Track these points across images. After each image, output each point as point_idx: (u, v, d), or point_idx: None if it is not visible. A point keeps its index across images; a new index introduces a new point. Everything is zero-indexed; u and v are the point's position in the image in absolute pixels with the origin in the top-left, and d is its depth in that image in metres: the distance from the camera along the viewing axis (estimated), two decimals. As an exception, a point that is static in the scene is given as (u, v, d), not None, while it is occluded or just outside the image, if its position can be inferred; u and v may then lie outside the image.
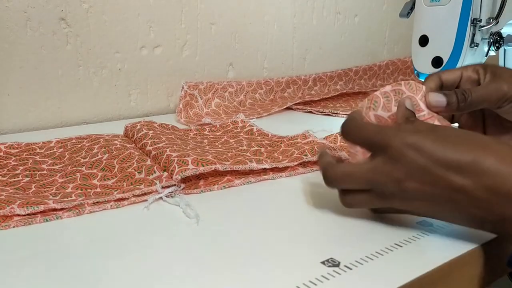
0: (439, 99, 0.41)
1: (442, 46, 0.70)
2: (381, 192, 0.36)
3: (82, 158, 0.54)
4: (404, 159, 0.35)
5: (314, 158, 0.53)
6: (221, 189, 0.47)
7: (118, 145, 0.55)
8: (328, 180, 0.39)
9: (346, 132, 0.40)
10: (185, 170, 0.46)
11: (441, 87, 0.45)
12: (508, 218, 0.32)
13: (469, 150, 0.33)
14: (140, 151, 0.55)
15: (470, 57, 0.70)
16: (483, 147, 0.33)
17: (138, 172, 0.48)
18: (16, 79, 0.71)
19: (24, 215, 0.40)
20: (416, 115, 0.40)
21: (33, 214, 0.40)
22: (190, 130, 0.69)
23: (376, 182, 0.36)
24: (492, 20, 0.68)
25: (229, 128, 0.70)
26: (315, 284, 0.30)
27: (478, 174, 0.32)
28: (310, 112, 0.87)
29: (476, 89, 0.42)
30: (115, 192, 0.44)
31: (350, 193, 0.38)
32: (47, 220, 0.40)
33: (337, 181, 0.39)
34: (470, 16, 0.67)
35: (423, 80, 0.49)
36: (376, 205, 0.38)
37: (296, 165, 0.52)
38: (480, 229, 0.35)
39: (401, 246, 0.35)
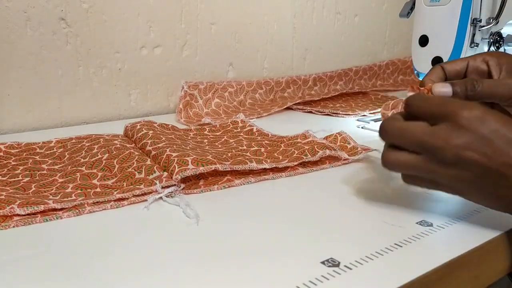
0: (444, 89, 0.40)
1: (442, 46, 0.70)
2: (432, 158, 0.35)
3: (82, 158, 0.54)
4: (471, 128, 0.34)
5: (314, 158, 0.53)
6: (221, 189, 0.47)
7: (118, 145, 0.55)
8: (383, 130, 0.38)
9: (410, 103, 0.38)
10: (185, 170, 0.46)
11: (445, 79, 0.44)
12: None
13: None
14: (140, 151, 0.55)
15: (470, 57, 0.69)
16: None
17: (138, 172, 0.48)
18: (16, 79, 0.71)
19: (24, 215, 0.40)
20: None
21: (33, 214, 0.40)
22: (190, 130, 0.69)
23: (432, 146, 0.35)
24: (492, 20, 0.68)
25: (229, 128, 0.70)
26: (315, 284, 0.30)
27: None
28: (310, 112, 0.87)
29: (488, 81, 0.41)
30: (115, 192, 0.44)
31: (397, 151, 0.37)
32: (47, 220, 0.40)
33: (392, 135, 0.37)
34: (470, 16, 0.67)
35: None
36: (418, 171, 0.37)
37: (296, 165, 0.52)
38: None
39: (401, 246, 0.35)
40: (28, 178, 0.49)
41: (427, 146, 0.35)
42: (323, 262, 0.33)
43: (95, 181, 0.48)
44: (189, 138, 0.64)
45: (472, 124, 0.34)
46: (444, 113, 0.35)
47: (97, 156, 0.53)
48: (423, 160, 0.36)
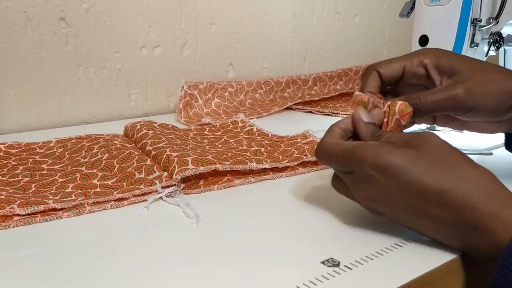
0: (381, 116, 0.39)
1: (442, 46, 0.69)
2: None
3: (82, 158, 0.54)
4: (374, 183, 0.34)
5: (314, 158, 0.53)
6: (221, 189, 0.47)
7: (118, 145, 0.55)
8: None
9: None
10: (185, 170, 0.46)
11: (381, 85, 0.42)
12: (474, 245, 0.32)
13: (443, 177, 0.32)
14: (140, 151, 0.55)
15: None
16: (456, 174, 0.32)
17: (138, 172, 0.48)
18: (16, 79, 0.71)
19: (24, 215, 0.40)
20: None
21: (33, 214, 0.40)
22: (190, 130, 0.69)
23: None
24: (492, 20, 0.68)
25: (229, 128, 0.70)
26: (315, 284, 0.30)
27: (448, 206, 0.32)
28: (310, 112, 0.87)
29: (429, 96, 0.39)
30: (115, 192, 0.44)
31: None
32: (47, 220, 0.40)
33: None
34: (470, 16, 0.67)
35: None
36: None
37: (296, 165, 0.52)
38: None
39: (401, 246, 0.35)
40: (28, 178, 0.49)
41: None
42: (323, 262, 0.33)
43: (95, 181, 0.48)
44: (189, 138, 0.64)
45: (375, 178, 0.34)
46: (348, 166, 0.36)
47: (97, 156, 0.53)
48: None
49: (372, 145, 0.35)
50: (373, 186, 0.34)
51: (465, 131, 0.50)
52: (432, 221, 0.33)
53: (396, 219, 0.35)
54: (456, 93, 0.39)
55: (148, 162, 0.50)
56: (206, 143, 0.62)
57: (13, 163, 0.54)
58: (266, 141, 0.61)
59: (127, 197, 0.44)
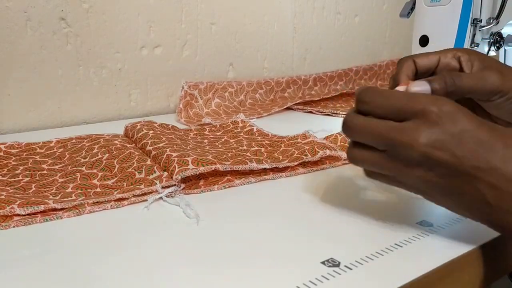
0: (421, 88, 0.38)
1: (442, 46, 0.70)
2: (398, 156, 0.33)
3: (82, 158, 0.54)
4: (441, 125, 0.32)
5: (314, 158, 0.53)
6: (221, 189, 0.47)
7: (118, 145, 0.55)
8: (345, 126, 0.36)
9: (368, 100, 0.35)
10: (185, 170, 0.46)
11: (416, 73, 0.42)
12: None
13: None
14: (140, 151, 0.55)
15: (470, 57, 0.69)
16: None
17: (138, 172, 0.48)
18: (16, 79, 0.71)
19: (24, 215, 0.40)
20: None
21: (33, 214, 0.40)
22: (190, 130, 0.69)
23: (399, 144, 0.33)
24: (493, 20, 0.68)
25: (229, 128, 0.70)
26: (315, 284, 0.30)
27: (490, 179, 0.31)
28: (310, 112, 0.87)
29: (467, 75, 0.40)
30: (115, 192, 0.44)
31: (361, 147, 0.35)
32: (47, 220, 0.40)
33: (355, 131, 0.35)
34: (470, 16, 0.67)
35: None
36: (381, 169, 0.35)
37: (296, 165, 0.52)
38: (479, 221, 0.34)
39: (401, 246, 0.35)
40: (28, 178, 0.49)
41: (393, 143, 0.33)
42: (323, 262, 0.33)
43: (95, 181, 0.48)
44: (189, 138, 0.64)
45: (443, 121, 0.32)
46: (411, 110, 0.33)
47: (97, 156, 0.53)
48: (388, 158, 0.34)
49: (410, 129, 0.33)
50: (439, 129, 0.32)
51: None
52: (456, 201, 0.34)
53: (447, 178, 0.33)
54: (491, 75, 0.39)
55: (148, 162, 0.50)
56: (206, 143, 0.62)
57: (13, 163, 0.54)
58: (266, 141, 0.61)
59: (127, 197, 0.44)
